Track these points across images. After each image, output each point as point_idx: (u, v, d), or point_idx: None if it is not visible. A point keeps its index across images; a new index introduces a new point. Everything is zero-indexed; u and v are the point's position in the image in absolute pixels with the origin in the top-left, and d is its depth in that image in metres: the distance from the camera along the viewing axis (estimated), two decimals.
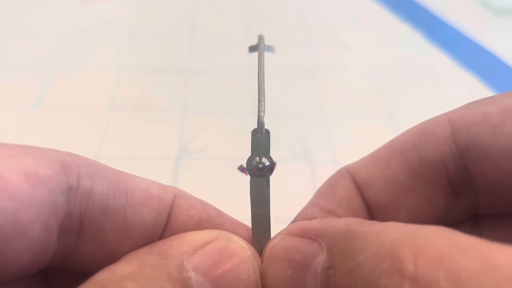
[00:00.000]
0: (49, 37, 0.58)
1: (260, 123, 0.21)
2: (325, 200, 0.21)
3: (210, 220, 0.20)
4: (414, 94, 0.54)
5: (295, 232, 0.19)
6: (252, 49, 0.23)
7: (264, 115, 0.21)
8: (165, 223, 0.19)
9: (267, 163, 0.20)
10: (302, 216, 0.21)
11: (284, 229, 0.20)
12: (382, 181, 0.20)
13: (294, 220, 0.21)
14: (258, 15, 0.67)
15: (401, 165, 0.20)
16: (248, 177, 0.20)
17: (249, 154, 0.21)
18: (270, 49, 0.24)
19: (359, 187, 0.21)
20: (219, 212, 0.20)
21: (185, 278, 0.17)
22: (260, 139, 0.21)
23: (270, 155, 0.21)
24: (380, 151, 0.21)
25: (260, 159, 0.20)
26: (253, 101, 0.49)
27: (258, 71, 0.22)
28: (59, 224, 0.17)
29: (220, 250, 0.18)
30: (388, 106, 0.52)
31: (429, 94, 0.55)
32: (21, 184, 0.15)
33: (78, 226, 0.17)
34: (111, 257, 0.18)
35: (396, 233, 0.15)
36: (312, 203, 0.21)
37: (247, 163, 0.20)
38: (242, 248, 0.18)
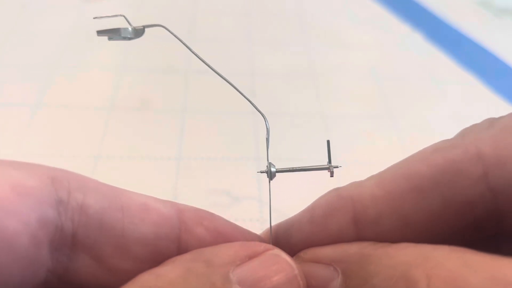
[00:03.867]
0: (49, 37, 0.58)
1: (267, 130, 0.21)
2: (316, 229, 0.19)
3: (225, 228, 0.19)
4: (414, 94, 0.54)
5: (309, 258, 0.18)
6: (100, 33, 0.22)
7: (267, 122, 0.21)
8: (176, 237, 0.18)
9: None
10: (295, 230, 0.20)
11: (296, 256, 0.19)
12: (392, 221, 0.18)
13: (283, 225, 0.21)
14: (258, 15, 0.66)
15: (418, 205, 0.17)
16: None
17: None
18: (120, 32, 0.22)
19: (360, 222, 0.18)
20: (227, 221, 0.20)
21: None
22: (268, 145, 0.21)
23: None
24: (393, 182, 0.18)
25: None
26: (253, 101, 0.49)
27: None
28: (50, 238, 0.16)
29: (267, 265, 0.17)
30: (388, 106, 0.52)
31: (429, 94, 0.55)
32: (6, 194, 0.15)
33: (71, 240, 0.17)
34: (112, 274, 0.17)
35: (409, 255, 0.15)
36: (306, 226, 0.20)
37: (268, 168, 0.20)
38: (289, 266, 0.18)
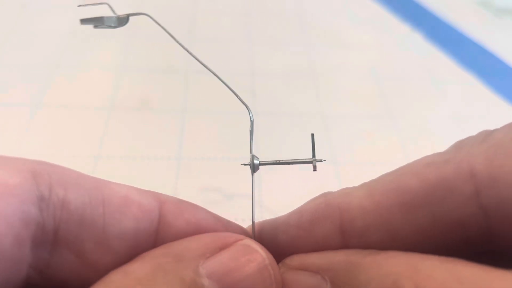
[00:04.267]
0: (49, 37, 0.58)
1: (251, 122, 0.21)
2: (302, 233, 0.19)
3: (207, 221, 0.19)
4: (414, 94, 0.54)
5: (296, 265, 0.18)
6: (84, 21, 0.21)
7: (251, 114, 0.21)
8: (154, 230, 0.18)
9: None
10: (280, 231, 0.20)
11: (281, 263, 0.19)
12: (380, 234, 0.17)
13: (269, 224, 0.20)
14: (258, 15, 0.66)
15: (407, 220, 0.17)
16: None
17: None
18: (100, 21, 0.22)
19: (347, 233, 0.18)
20: (210, 213, 0.20)
21: (199, 285, 0.16)
22: (251, 137, 0.21)
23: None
24: (383, 195, 0.18)
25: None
26: (253, 101, 0.49)
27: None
28: (31, 236, 0.16)
29: (237, 256, 0.17)
30: (388, 106, 0.52)
31: (429, 94, 0.55)
32: None
33: (52, 237, 0.16)
34: (93, 269, 0.17)
35: (399, 265, 0.15)
36: (292, 229, 0.19)
37: (252, 161, 0.20)
38: (260, 256, 0.17)
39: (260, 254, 0.18)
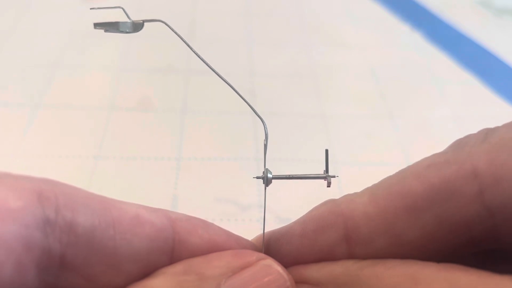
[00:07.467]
0: (49, 37, 0.58)
1: (266, 135, 0.20)
2: (306, 243, 0.19)
3: (220, 236, 0.19)
4: (414, 94, 0.54)
5: (295, 278, 0.18)
6: (98, 25, 0.21)
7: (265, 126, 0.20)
8: (169, 249, 0.18)
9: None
10: (285, 241, 0.20)
11: None
12: (385, 240, 0.17)
13: (275, 234, 0.20)
14: (258, 15, 0.66)
15: (412, 224, 0.17)
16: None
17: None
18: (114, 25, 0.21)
19: (352, 240, 0.18)
20: (221, 228, 0.20)
21: None
22: (265, 150, 0.21)
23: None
24: (386, 199, 0.18)
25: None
26: (253, 101, 0.49)
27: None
28: (36, 262, 0.15)
29: (259, 276, 0.17)
30: (388, 106, 0.52)
31: (429, 94, 0.55)
32: None
33: (59, 261, 0.16)
34: None
35: (397, 276, 0.15)
36: (296, 238, 0.19)
37: (264, 174, 0.20)
38: (282, 277, 0.17)
39: (282, 276, 0.17)
